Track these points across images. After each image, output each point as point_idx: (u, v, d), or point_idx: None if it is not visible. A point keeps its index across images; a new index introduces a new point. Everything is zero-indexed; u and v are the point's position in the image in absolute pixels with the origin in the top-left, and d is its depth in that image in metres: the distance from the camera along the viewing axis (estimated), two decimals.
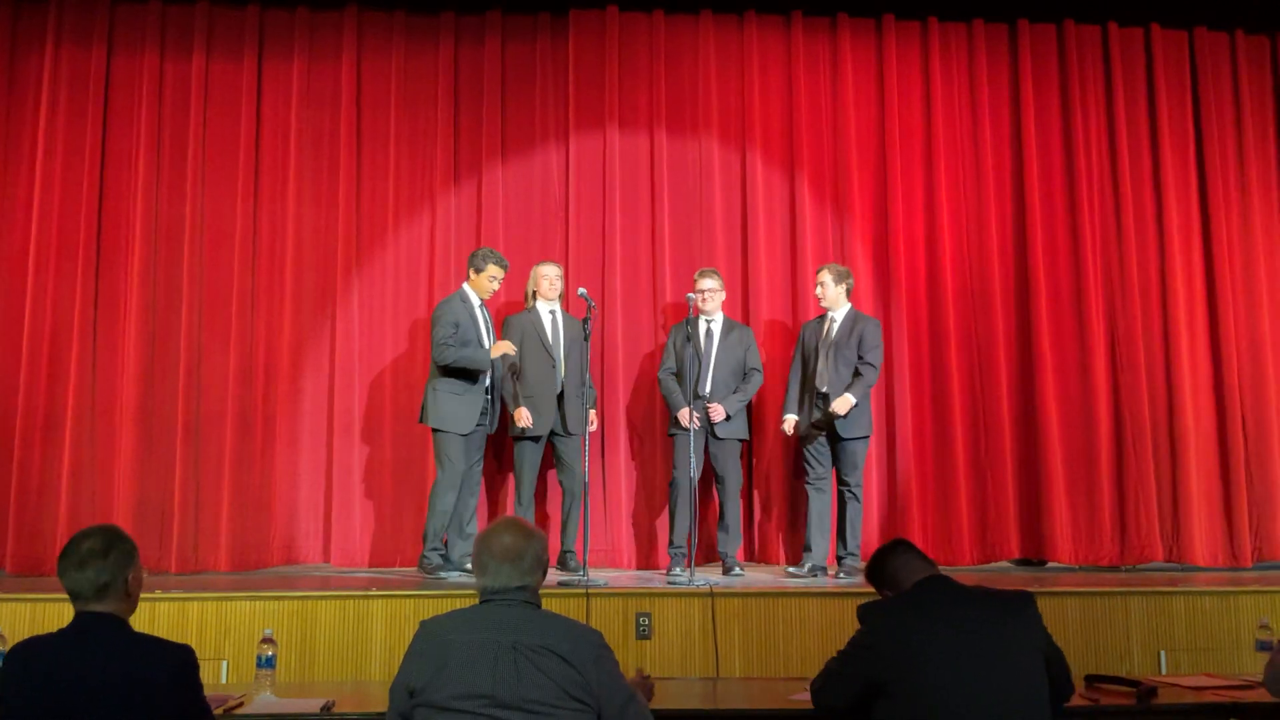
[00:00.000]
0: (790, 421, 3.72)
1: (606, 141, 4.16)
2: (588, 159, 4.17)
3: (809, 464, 3.68)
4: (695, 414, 3.64)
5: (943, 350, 4.11)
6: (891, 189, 4.18)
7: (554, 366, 3.67)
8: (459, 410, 3.49)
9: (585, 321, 3.45)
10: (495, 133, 4.16)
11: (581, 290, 3.58)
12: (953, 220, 4.19)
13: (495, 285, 3.61)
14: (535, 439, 3.65)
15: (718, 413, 3.66)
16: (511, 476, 3.76)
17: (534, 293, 3.75)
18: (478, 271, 3.58)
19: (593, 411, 3.72)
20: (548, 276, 3.74)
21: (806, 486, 3.70)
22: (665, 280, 4.12)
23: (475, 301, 3.59)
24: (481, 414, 3.56)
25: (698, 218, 4.18)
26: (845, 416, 3.57)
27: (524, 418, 3.64)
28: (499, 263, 3.62)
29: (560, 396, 3.66)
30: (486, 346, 3.59)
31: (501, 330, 3.80)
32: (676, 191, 4.18)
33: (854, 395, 3.59)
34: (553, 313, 3.76)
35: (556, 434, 3.68)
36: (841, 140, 4.22)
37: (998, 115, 4.28)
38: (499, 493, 3.94)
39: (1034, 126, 4.22)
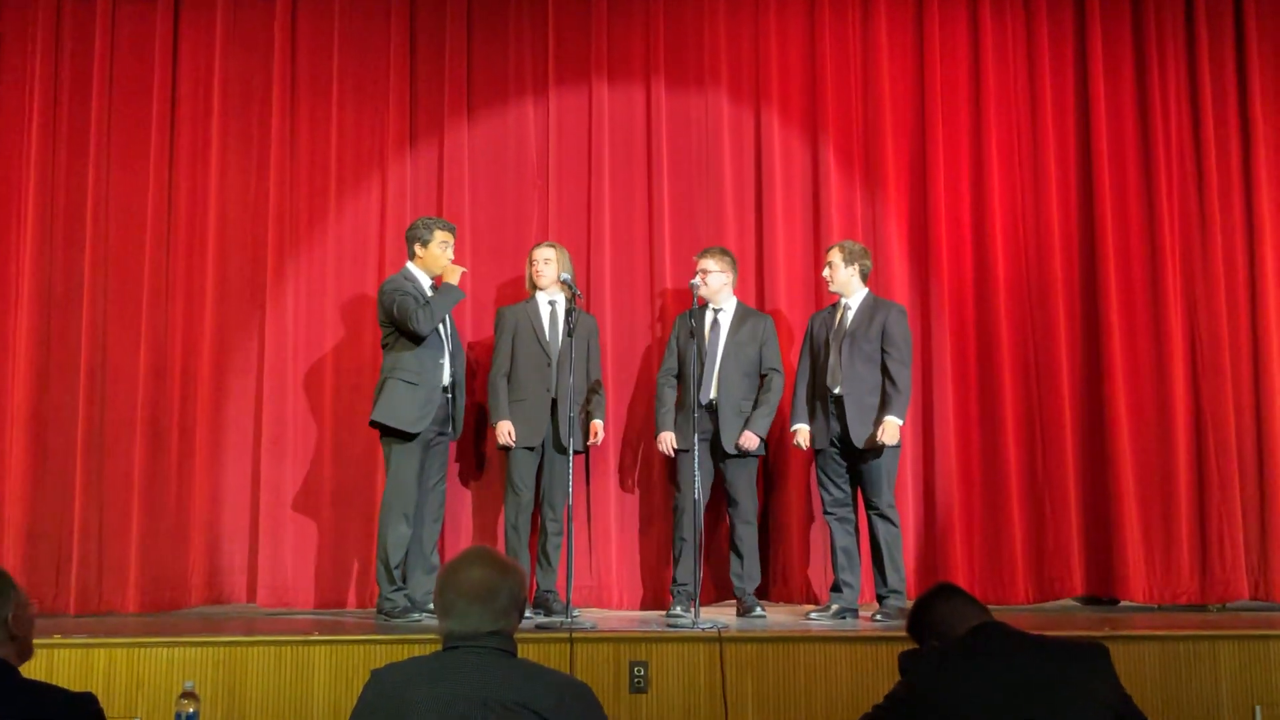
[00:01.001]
0: (803, 433, 3.69)
1: (594, 96, 4.15)
2: (571, 117, 4.16)
3: (824, 487, 3.67)
4: (677, 435, 3.64)
5: (992, 350, 4.10)
6: (932, 158, 4.18)
7: (549, 366, 3.68)
8: (409, 403, 3.47)
9: (569, 314, 3.46)
10: (460, 85, 4.15)
11: (565, 275, 3.59)
12: (1005, 196, 4.19)
13: (450, 252, 3.62)
14: (529, 448, 3.66)
15: (750, 441, 3.66)
16: (502, 495, 3.75)
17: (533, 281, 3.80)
18: (424, 244, 3.59)
19: (599, 423, 3.76)
20: (535, 261, 3.76)
21: (825, 518, 3.69)
22: (664, 263, 4.11)
23: (425, 282, 3.61)
24: (440, 420, 3.56)
25: (703, 188, 4.18)
26: (893, 445, 3.56)
27: (504, 433, 3.65)
28: (444, 226, 3.64)
29: (554, 404, 3.66)
30: (444, 336, 3.61)
31: (494, 324, 3.83)
32: (678, 157, 4.18)
33: (896, 415, 3.55)
34: (552, 304, 3.76)
35: (546, 449, 3.69)
36: (873, 99, 4.20)
37: (1060, 72, 4.26)
38: (484, 516, 3.95)
39: (1103, 86, 4.19)
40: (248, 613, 3.84)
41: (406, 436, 3.46)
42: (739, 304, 3.82)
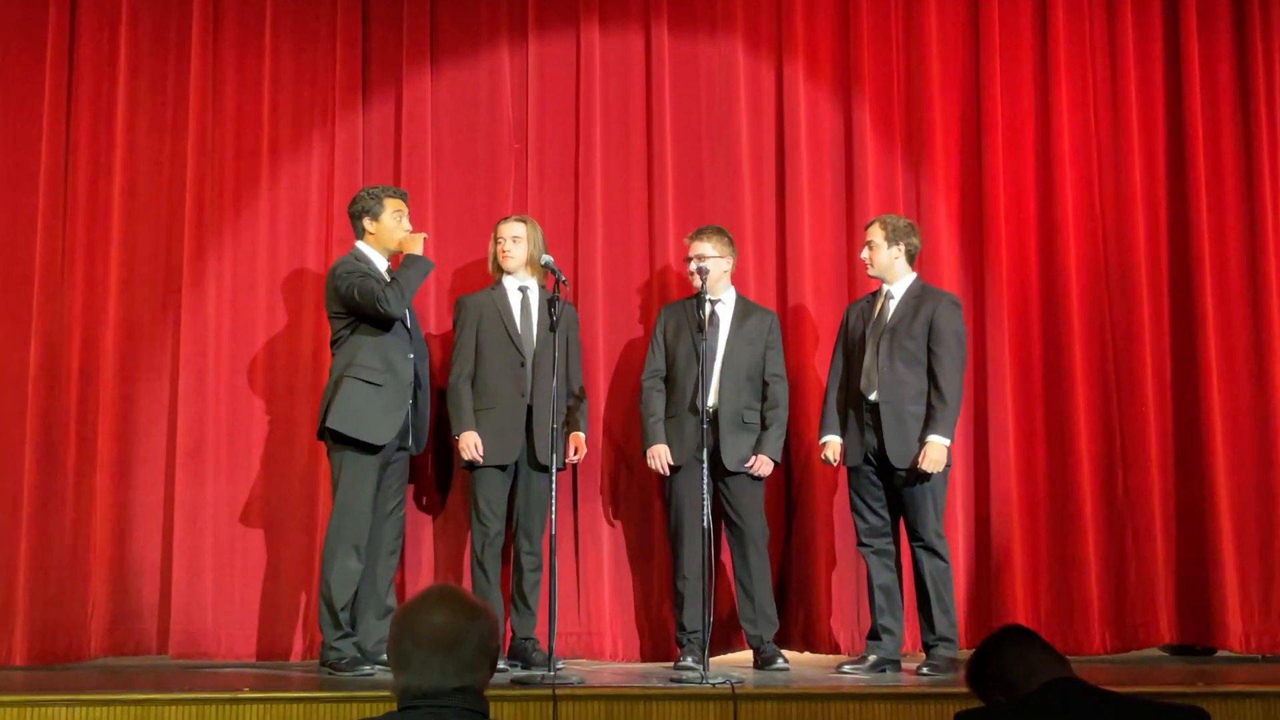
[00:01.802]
0: (834, 446, 3.67)
1: (583, 43, 4.14)
2: (555, 68, 4.15)
3: (858, 513, 3.65)
4: (670, 449, 3.63)
5: (1061, 350, 4.09)
6: (989, 121, 4.16)
7: (523, 366, 3.65)
8: (373, 406, 3.45)
9: (552, 302, 3.43)
10: (422, 28, 4.13)
11: (546, 258, 3.56)
12: (1077, 167, 4.17)
13: (406, 222, 3.64)
14: (500, 467, 3.63)
15: (766, 467, 3.68)
16: (469, 522, 3.71)
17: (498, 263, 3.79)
18: (374, 218, 3.60)
19: (579, 435, 3.76)
20: (502, 238, 3.74)
21: (860, 550, 3.67)
22: (667, 244, 4.09)
23: (381, 264, 3.60)
24: (400, 431, 3.54)
25: (714, 155, 4.16)
26: (936, 471, 3.51)
27: (470, 447, 3.61)
28: (394, 194, 3.66)
29: (530, 411, 3.63)
30: (409, 326, 3.60)
31: (453, 316, 3.81)
32: (684, 117, 4.16)
33: (941, 434, 3.52)
34: (523, 290, 3.74)
35: (521, 467, 3.67)
36: (917, 51, 4.20)
37: (1144, 17, 4.25)
38: (450, 548, 3.91)
39: (1196, 32, 4.19)
40: (161, 665, 3.79)
41: (365, 449, 3.42)
42: (738, 296, 3.82)
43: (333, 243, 3.97)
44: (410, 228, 3.62)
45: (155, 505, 3.88)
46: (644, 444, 3.73)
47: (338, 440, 3.44)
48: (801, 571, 3.97)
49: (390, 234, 3.58)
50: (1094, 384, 4.08)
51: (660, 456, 3.67)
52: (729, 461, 3.63)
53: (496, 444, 3.61)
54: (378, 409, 3.44)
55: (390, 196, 3.61)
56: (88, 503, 3.85)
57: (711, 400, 3.64)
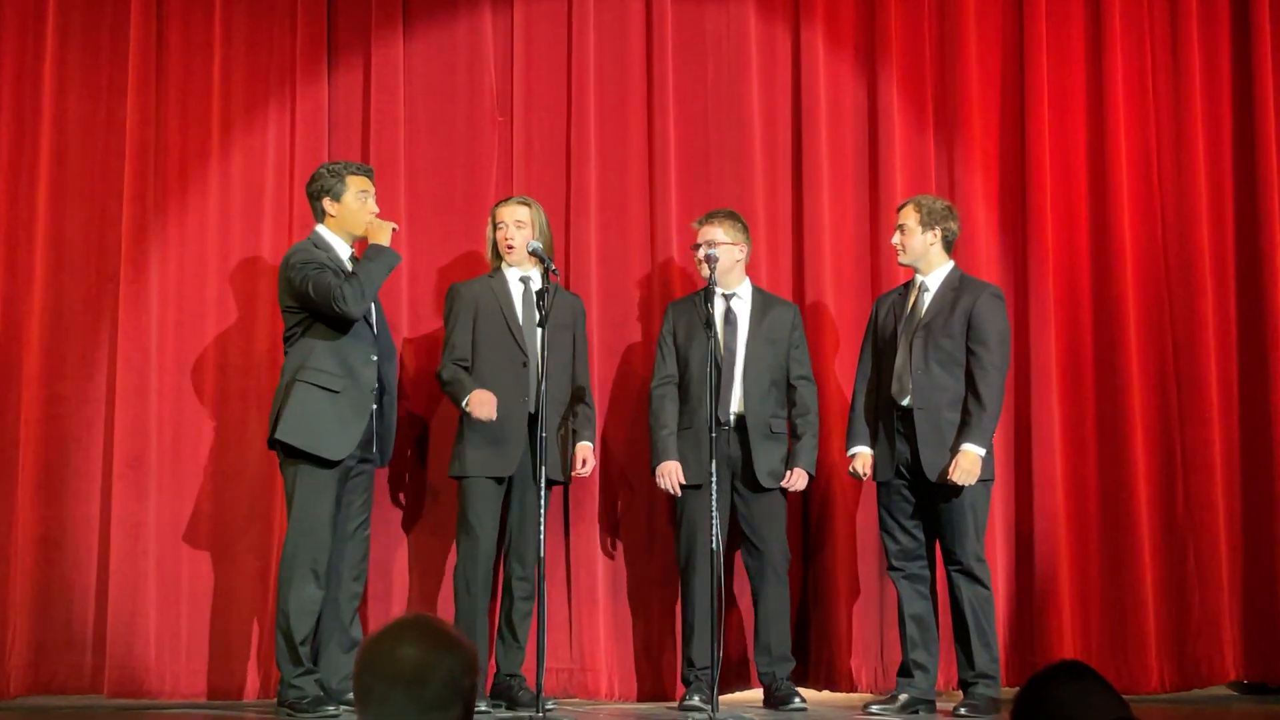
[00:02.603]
0: (863, 458, 3.65)
1: (575, 3, 4.13)
2: (545, 32, 4.13)
3: (888, 534, 3.63)
4: (683, 466, 3.61)
5: (1115, 349, 4.07)
6: (1033, 93, 4.15)
7: (525, 366, 3.62)
8: (329, 415, 3.41)
9: (541, 294, 3.40)
10: None
11: (534, 244, 3.53)
12: (1133, 143, 4.16)
13: (373, 204, 3.61)
14: (496, 479, 3.59)
15: (801, 480, 3.67)
16: (452, 541, 3.68)
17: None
18: (335, 198, 3.57)
19: (587, 445, 3.71)
20: (504, 222, 3.70)
21: (890, 575, 3.65)
22: (670, 231, 4.07)
23: (343, 251, 3.57)
24: (363, 441, 3.50)
25: (722, 131, 4.14)
26: (970, 484, 3.46)
27: (483, 403, 3.53)
28: (358, 170, 3.63)
29: (533, 418, 3.58)
30: (372, 322, 3.57)
31: (445, 307, 3.80)
32: (688, 88, 4.15)
33: (976, 443, 3.48)
34: (525, 281, 3.70)
35: (518, 481, 3.62)
36: (953, 15, 4.18)
37: None
38: (428, 571, 3.87)
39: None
40: (95, 706, 3.76)
41: (321, 463, 3.39)
42: (755, 289, 3.80)
43: (293, 226, 3.94)
44: (376, 209, 3.58)
45: (89, 522, 3.85)
46: (653, 460, 3.68)
47: (290, 453, 3.42)
48: (821, 600, 3.95)
49: (354, 216, 3.53)
50: (1151, 388, 4.08)
51: (671, 475, 3.62)
52: (762, 478, 3.61)
53: (492, 453, 3.56)
54: (334, 418, 3.40)
55: (354, 174, 3.56)
56: (8, 519, 3.80)
57: (736, 408, 3.64)
